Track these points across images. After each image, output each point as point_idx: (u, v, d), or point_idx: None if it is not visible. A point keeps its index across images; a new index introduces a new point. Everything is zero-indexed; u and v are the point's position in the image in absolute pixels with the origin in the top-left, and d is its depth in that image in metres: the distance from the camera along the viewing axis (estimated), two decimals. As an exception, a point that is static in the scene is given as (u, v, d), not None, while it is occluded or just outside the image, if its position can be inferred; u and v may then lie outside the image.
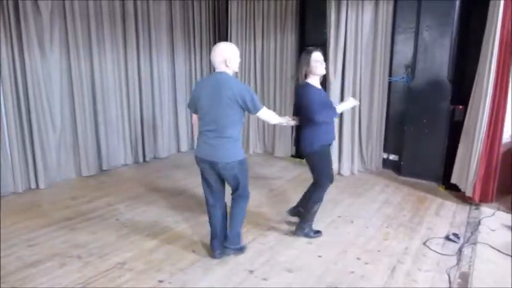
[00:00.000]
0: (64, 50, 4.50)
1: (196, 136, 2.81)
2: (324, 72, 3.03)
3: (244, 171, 2.77)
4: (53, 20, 4.34)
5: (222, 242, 2.88)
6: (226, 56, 2.58)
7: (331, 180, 3.20)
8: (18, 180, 4.20)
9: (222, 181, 2.84)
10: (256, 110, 2.64)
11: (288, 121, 3.05)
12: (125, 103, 5.27)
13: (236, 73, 2.74)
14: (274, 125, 5.84)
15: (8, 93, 4.02)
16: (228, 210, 2.93)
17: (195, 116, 2.83)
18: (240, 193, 2.81)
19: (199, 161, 2.74)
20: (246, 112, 2.68)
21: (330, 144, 3.19)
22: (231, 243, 2.87)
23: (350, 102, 3.15)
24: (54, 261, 2.81)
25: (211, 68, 6.39)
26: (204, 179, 2.81)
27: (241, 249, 2.96)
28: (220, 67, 2.62)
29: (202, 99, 2.63)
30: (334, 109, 3.02)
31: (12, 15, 3.94)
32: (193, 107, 2.76)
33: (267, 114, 2.76)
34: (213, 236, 2.90)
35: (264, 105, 2.75)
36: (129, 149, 5.41)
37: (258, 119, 6.17)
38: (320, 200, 3.19)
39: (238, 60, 2.68)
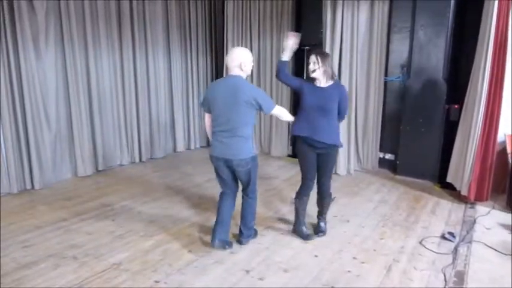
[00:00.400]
0: (59, 50, 4.48)
1: (210, 135, 2.95)
2: (310, 74, 2.96)
3: (256, 166, 2.95)
4: (48, 20, 4.32)
5: (224, 232, 2.96)
6: (242, 60, 2.73)
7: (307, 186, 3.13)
8: (13, 181, 4.17)
9: (235, 176, 2.98)
10: (270, 109, 2.84)
11: None
12: (121, 103, 5.26)
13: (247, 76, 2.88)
14: (271, 126, 5.87)
15: (3, 94, 3.99)
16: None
17: (208, 116, 2.94)
18: (250, 189, 2.98)
19: (214, 159, 2.88)
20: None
21: (306, 142, 2.99)
22: (246, 236, 3.08)
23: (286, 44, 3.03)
24: (50, 262, 2.80)
25: (211, 68, 6.48)
26: (219, 176, 2.97)
27: (255, 234, 3.20)
28: (234, 70, 2.76)
29: (218, 102, 2.76)
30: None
31: (7, 15, 3.92)
32: (207, 107, 2.87)
33: (280, 112, 2.97)
34: (217, 222, 2.96)
35: (276, 104, 2.94)
36: (126, 149, 5.39)
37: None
38: (296, 196, 3.19)
39: (252, 64, 2.82)
